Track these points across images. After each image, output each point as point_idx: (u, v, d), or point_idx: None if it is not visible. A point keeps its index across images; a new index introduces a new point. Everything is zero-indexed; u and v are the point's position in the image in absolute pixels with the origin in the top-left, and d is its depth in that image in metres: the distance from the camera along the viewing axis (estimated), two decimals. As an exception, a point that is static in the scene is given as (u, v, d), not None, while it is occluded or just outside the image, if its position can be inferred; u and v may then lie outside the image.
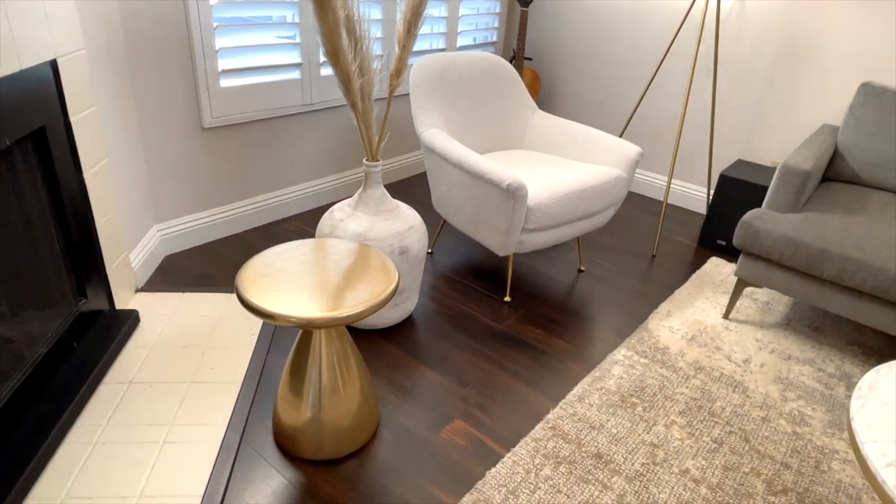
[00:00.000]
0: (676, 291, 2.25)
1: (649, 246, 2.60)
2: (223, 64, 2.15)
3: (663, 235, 2.71)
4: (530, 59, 3.29)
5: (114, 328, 1.73)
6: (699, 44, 2.34)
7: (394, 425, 1.54)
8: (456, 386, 1.68)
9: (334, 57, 1.51)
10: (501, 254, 1.96)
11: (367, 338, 1.86)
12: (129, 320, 1.77)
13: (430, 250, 2.40)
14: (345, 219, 1.73)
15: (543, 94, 3.39)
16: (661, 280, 2.33)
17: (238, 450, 1.43)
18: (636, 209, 2.97)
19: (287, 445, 1.43)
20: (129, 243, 2.00)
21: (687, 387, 1.75)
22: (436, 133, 2.03)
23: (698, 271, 2.41)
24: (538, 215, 1.86)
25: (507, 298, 2.11)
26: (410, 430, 1.52)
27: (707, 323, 2.07)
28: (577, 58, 3.20)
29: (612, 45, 3.04)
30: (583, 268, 2.36)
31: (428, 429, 1.53)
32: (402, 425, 1.54)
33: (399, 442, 1.49)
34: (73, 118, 1.58)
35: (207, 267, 2.18)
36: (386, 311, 1.82)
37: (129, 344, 1.74)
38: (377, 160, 1.73)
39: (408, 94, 2.98)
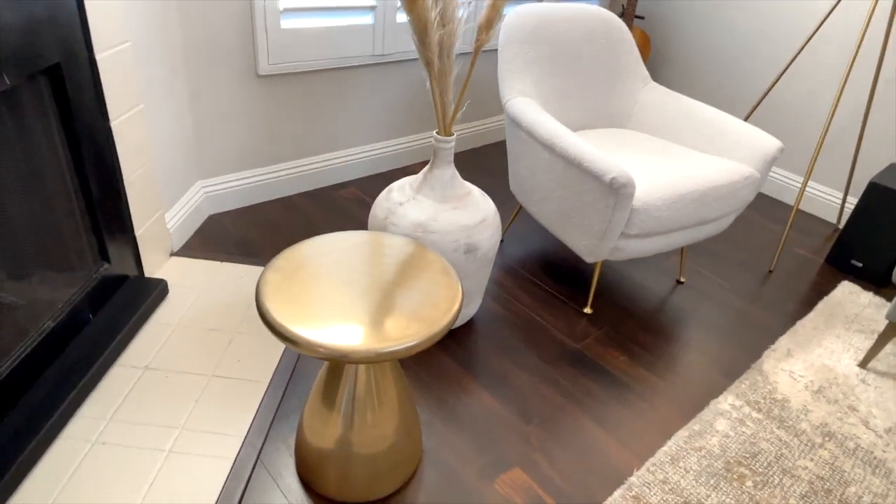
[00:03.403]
0: (799, 323, 1.83)
1: (767, 258, 2.16)
2: (286, 1, 1.85)
3: (785, 247, 2.25)
4: (642, 18, 2.80)
5: (138, 299, 1.53)
6: (869, 22, 1.82)
7: (438, 463, 1.26)
8: (517, 420, 1.38)
9: (410, 1, 1.17)
10: (590, 260, 1.60)
11: (417, 342, 1.57)
12: (156, 291, 1.57)
13: (500, 238, 2.07)
14: (404, 202, 1.42)
15: (652, 61, 2.90)
16: (779, 304, 1.90)
17: (252, 472, 1.20)
18: (754, 210, 2.50)
19: (309, 477, 1.18)
20: (169, 200, 1.79)
21: (811, 459, 1.37)
22: (525, 103, 1.67)
23: (826, 298, 1.96)
24: (644, 219, 1.48)
25: (588, 310, 1.77)
26: (458, 473, 1.24)
27: (838, 371, 1.65)
28: (699, 21, 2.68)
29: (748, 10, 2.51)
30: (683, 279, 1.97)
31: (480, 475, 1.24)
32: (449, 466, 1.26)
33: (443, 488, 1.21)
34: (100, 55, 1.33)
35: (251, 232, 1.95)
36: (443, 316, 1.52)
37: (152, 319, 1.54)
38: (451, 134, 1.40)
39: (494, 50, 2.59)
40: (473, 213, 1.42)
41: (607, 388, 1.50)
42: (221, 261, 1.78)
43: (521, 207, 1.98)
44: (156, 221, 1.67)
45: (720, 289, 1.95)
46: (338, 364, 1.09)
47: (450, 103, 1.37)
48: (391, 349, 0.92)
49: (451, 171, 1.43)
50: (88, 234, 1.43)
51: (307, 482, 1.19)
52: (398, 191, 1.46)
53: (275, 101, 1.99)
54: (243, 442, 1.24)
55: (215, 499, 1.13)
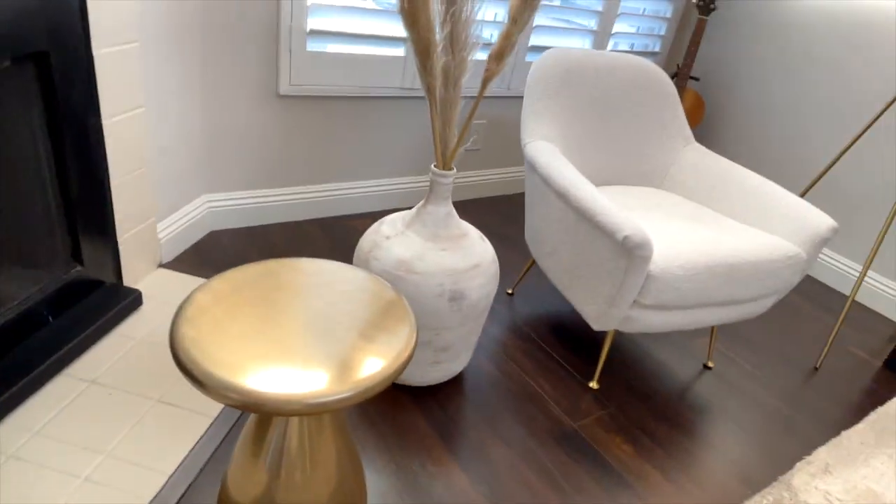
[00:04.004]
0: (844, 434, 1.55)
1: (812, 353, 1.89)
2: (313, 23, 1.81)
3: (836, 342, 1.97)
4: (696, 80, 2.65)
5: (106, 307, 1.44)
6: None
7: (380, 543, 1.07)
8: None
9: (411, 16, 1.08)
10: (597, 328, 1.41)
11: (389, 393, 1.41)
12: (127, 301, 1.48)
13: (510, 291, 1.90)
14: (391, 237, 1.29)
15: (703, 126, 2.73)
16: (822, 409, 1.64)
17: (165, 520, 1.05)
18: (803, 297, 2.24)
19: (224, 536, 1.02)
20: (167, 210, 1.72)
21: None
22: (544, 147, 1.53)
23: (881, 409, 1.68)
24: (661, 289, 1.30)
25: (594, 385, 1.56)
26: (399, 558, 1.05)
27: (886, 500, 1.37)
28: (760, 88, 2.50)
29: (817, 77, 2.32)
30: (711, 363, 1.73)
31: (424, 565, 1.05)
32: (391, 548, 1.07)
33: (377, 575, 1.02)
34: (99, 51, 1.29)
35: (250, 254, 1.86)
36: (420, 369, 1.36)
37: (115, 330, 1.44)
38: (450, 169, 1.27)
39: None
40: (465, 256, 1.27)
41: (601, 482, 1.28)
42: (209, 278, 1.69)
43: (534, 261, 1.82)
44: (145, 229, 1.61)
45: (753, 381, 1.70)
46: (262, 423, 0.94)
47: (452, 136, 1.25)
48: (315, 401, 0.77)
49: (447, 209, 1.29)
50: (63, 232, 1.36)
51: (223, 542, 1.03)
52: (389, 224, 1.34)
53: (293, 123, 1.94)
54: (166, 483, 1.10)
55: (115, 545, 0.98)
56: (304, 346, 0.84)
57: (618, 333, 1.80)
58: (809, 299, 2.22)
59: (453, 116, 1.23)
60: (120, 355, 1.37)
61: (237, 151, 1.88)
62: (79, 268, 1.41)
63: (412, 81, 2.07)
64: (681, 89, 2.50)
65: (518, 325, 1.75)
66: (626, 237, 1.22)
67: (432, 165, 1.27)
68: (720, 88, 2.64)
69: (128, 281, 1.58)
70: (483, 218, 2.38)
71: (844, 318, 2.09)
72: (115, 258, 1.52)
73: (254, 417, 0.97)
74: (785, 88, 2.41)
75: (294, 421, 0.93)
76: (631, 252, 1.23)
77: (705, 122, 2.72)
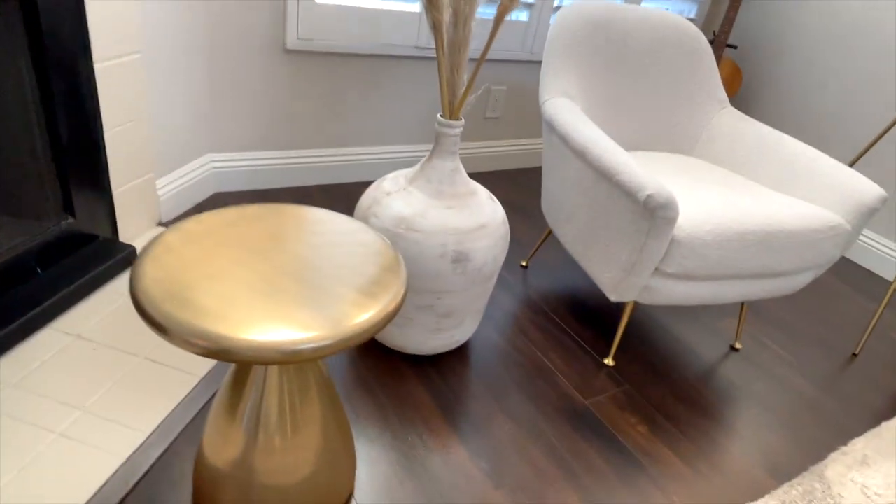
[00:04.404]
0: (885, 425, 1.42)
1: (851, 339, 1.75)
2: (324, -28, 1.72)
3: (877, 329, 1.82)
4: (734, 48, 2.48)
5: (99, 262, 1.38)
6: None
7: (367, 516, 1.00)
8: (484, 480, 1.09)
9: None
10: (614, 298, 1.30)
11: (389, 361, 1.33)
12: (122, 256, 1.42)
13: (524, 263, 1.80)
14: (392, 193, 1.20)
15: (740, 98, 2.56)
16: (860, 398, 1.50)
17: (137, 484, 0.98)
18: (842, 281, 2.08)
19: (202, 503, 0.95)
20: (168, 166, 1.66)
21: None
22: (564, 104, 1.41)
23: (927, 400, 1.54)
24: (686, 255, 1.18)
25: (610, 362, 1.45)
26: (387, 533, 0.97)
27: (934, 498, 1.24)
28: (803, 57, 2.33)
29: (865, 47, 2.14)
30: (739, 345, 1.61)
31: (413, 541, 0.97)
32: (378, 522, 0.99)
33: (361, 550, 0.94)
34: (89, -13, 1.22)
35: (253, 216, 1.79)
36: (421, 336, 1.27)
37: (108, 286, 1.38)
38: (458, 118, 1.17)
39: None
40: (471, 215, 1.17)
41: (612, 463, 1.18)
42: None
43: (550, 232, 1.70)
44: (143, 184, 1.54)
45: (785, 366, 1.57)
46: (241, 375, 0.86)
47: (461, 82, 1.15)
48: (292, 348, 0.68)
49: (454, 165, 1.19)
50: (52, 180, 1.30)
51: (199, 507, 0.96)
52: (391, 180, 1.24)
53: (301, 81, 1.85)
54: (143, 442, 1.03)
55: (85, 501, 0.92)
56: (281, 290, 0.76)
57: (637, 310, 1.68)
58: (848, 283, 2.06)
59: (462, 60, 1.13)
60: (109, 311, 1.31)
61: (243, 109, 1.81)
62: (70, 220, 1.35)
63: (427, 40, 1.97)
64: (717, 58, 2.34)
65: (531, 298, 1.65)
66: (649, 196, 1.10)
67: (438, 115, 1.17)
68: (759, 58, 2.47)
69: (124, 237, 1.52)
70: (499, 190, 2.27)
71: (888, 303, 1.93)
72: (109, 212, 1.46)
73: (231, 372, 0.89)
74: (830, 59, 2.24)
75: (273, 377, 0.85)
76: (654, 213, 1.11)
77: (742, 94, 2.55)
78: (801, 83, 2.34)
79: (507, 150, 2.42)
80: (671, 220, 1.11)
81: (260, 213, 0.94)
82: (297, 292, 0.76)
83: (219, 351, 0.68)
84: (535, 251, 1.79)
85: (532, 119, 2.43)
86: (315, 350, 0.70)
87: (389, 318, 0.77)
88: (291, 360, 0.70)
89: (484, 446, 1.16)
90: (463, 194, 1.20)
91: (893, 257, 2.11)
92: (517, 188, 2.31)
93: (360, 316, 0.74)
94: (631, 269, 1.22)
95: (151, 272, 0.75)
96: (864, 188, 1.33)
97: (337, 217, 0.96)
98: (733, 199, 1.30)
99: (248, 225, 0.89)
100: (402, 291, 0.81)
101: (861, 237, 2.20)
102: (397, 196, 1.19)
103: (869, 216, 1.33)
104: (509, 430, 1.21)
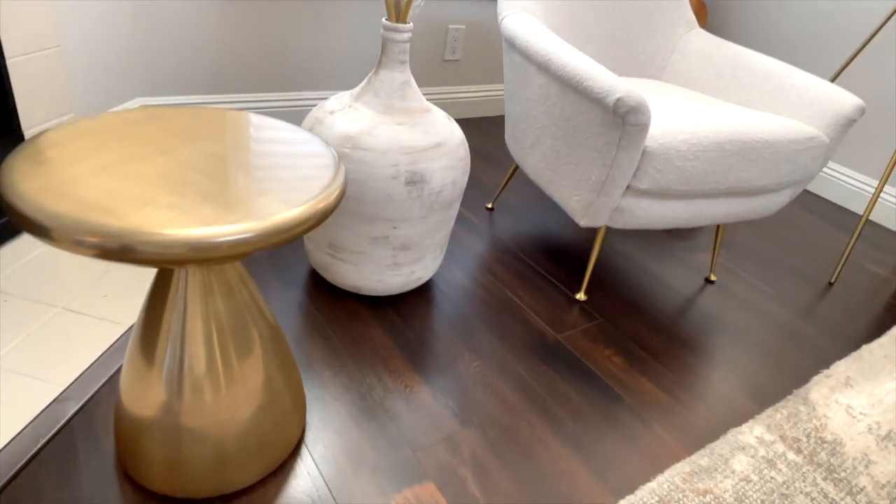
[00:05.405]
0: (865, 348, 1.37)
1: (826, 268, 1.70)
2: None
3: (851, 259, 1.78)
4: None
5: (11, 210, 1.22)
6: None
7: (321, 458, 0.89)
8: (450, 418, 1.00)
9: None
10: (584, 223, 1.21)
11: (344, 304, 1.22)
12: (38, 205, 1.26)
13: (490, 205, 1.69)
14: (336, 111, 1.07)
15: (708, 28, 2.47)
16: (839, 323, 1.45)
17: (51, 440, 0.85)
18: (814, 215, 2.04)
19: (126, 460, 0.83)
20: (92, 109, 1.50)
21: (873, 532, 0.93)
22: (524, 19, 1.30)
23: (904, 324, 1.50)
24: (660, 168, 1.09)
25: (581, 296, 1.37)
26: (345, 475, 0.87)
27: (918, 415, 1.19)
28: (768, -11, 2.25)
29: (830, -29, 2.07)
30: (714, 277, 1.54)
31: (374, 484, 0.87)
32: (335, 464, 0.88)
33: (317, 494, 0.84)
34: None
35: (194, 166, 1.64)
36: (377, 273, 1.16)
37: (20, 237, 1.23)
38: (405, 22, 1.04)
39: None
40: (425, 134, 1.06)
41: (587, 395, 1.10)
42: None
43: (516, 168, 1.60)
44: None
45: (762, 296, 1.51)
46: (164, 281, 0.74)
47: (407, -19, 1.02)
48: (207, 241, 0.56)
49: (404, 77, 1.07)
50: (-54, 115, 1.14)
51: (124, 466, 0.84)
52: (335, 99, 1.12)
53: (242, 16, 1.69)
54: (58, 396, 0.90)
55: (-14, 463, 0.79)
56: (189, 185, 0.64)
57: (609, 246, 1.60)
58: (818, 216, 2.02)
59: (407, -46, 1.00)
60: (25, 260, 1.16)
61: (176, 50, 1.64)
62: (-27, 162, 1.19)
63: (377, -29, 1.82)
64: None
65: (498, 237, 1.55)
66: (618, 100, 1.00)
67: (383, 19, 1.04)
68: (725, -6, 2.39)
69: (42, 186, 1.36)
70: (471, 138, 2.15)
71: (859, 236, 1.89)
72: (22, 156, 1.30)
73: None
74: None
75: (195, 292, 0.72)
76: (624, 118, 1.01)
77: (708, 27, 2.47)
78: (768, 17, 2.27)
79: (469, 97, 2.30)
80: (643, 127, 1.02)
81: (174, 114, 0.80)
82: (210, 188, 0.64)
83: (118, 249, 0.56)
84: (501, 191, 1.69)
85: (496, 62, 2.31)
86: (234, 244, 0.58)
87: (321, 217, 0.66)
88: (208, 259, 0.58)
89: (449, 385, 1.07)
90: (416, 110, 1.08)
91: (860, 190, 2.08)
92: (482, 135, 2.20)
93: (287, 211, 0.62)
94: (601, 189, 1.12)
95: (25, 166, 0.61)
96: (840, 99, 1.25)
97: (272, 121, 0.83)
98: (708, 112, 1.21)
99: (156, 123, 0.76)
100: (337, 190, 0.69)
101: (828, 169, 2.17)
102: (342, 114, 1.06)
103: (847, 127, 1.26)
104: (476, 368, 1.11)
